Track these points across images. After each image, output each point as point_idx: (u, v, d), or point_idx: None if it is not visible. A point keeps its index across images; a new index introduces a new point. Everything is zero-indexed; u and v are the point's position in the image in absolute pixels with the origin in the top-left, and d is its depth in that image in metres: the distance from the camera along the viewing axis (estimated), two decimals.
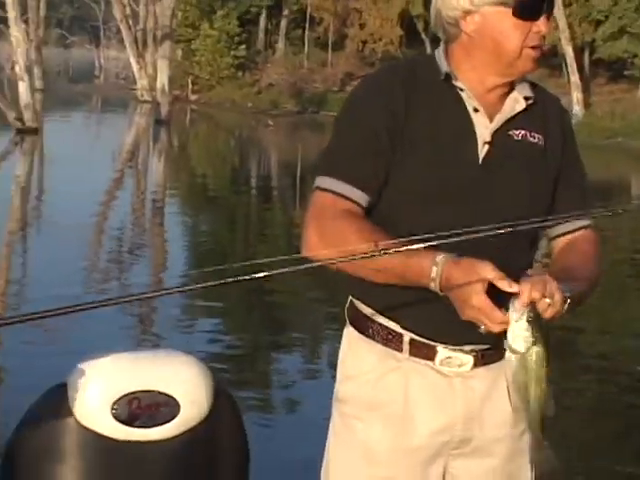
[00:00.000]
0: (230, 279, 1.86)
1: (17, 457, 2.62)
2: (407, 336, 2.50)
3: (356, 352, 2.60)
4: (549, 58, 35.28)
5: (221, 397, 2.64)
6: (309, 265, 2.14)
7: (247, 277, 1.87)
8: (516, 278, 2.39)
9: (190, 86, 50.31)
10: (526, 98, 2.53)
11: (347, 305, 2.64)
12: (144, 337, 9.08)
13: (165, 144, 31.32)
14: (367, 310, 2.56)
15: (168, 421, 2.55)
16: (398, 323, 2.51)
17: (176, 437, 2.55)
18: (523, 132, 2.53)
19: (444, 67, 2.51)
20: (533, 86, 2.58)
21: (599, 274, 2.63)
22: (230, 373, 7.85)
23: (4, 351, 8.15)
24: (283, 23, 56.94)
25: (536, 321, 2.21)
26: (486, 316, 2.19)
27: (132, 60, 49.98)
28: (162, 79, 39.84)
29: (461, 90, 2.50)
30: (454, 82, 2.49)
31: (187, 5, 52.06)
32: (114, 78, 61.99)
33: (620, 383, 8.35)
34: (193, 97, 49.70)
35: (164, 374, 2.59)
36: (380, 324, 2.53)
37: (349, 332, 2.63)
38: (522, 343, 2.22)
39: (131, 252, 13.68)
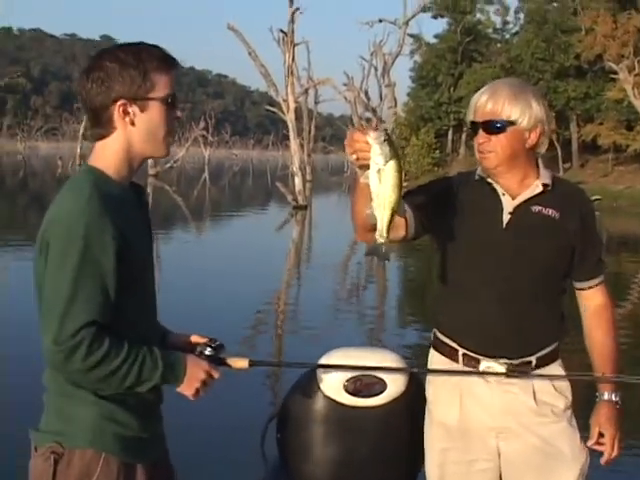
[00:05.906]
0: None
1: (286, 417, 2.67)
2: (461, 351, 2.44)
3: (434, 364, 2.53)
4: None
5: (413, 379, 2.63)
6: None
7: None
8: (523, 324, 2.39)
9: (404, 177, 50.59)
10: (544, 185, 2.41)
11: (432, 335, 2.57)
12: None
13: None
14: (440, 336, 2.51)
15: (379, 394, 2.56)
16: (456, 342, 2.45)
17: (384, 405, 2.55)
18: (539, 208, 2.40)
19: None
20: (557, 179, 2.47)
21: (617, 332, 2.53)
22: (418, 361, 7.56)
23: None
24: (463, 136, 56.77)
25: (391, 141, 1.96)
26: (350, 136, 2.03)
27: None
28: None
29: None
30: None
31: (402, 126, 52.81)
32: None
33: None
34: (405, 184, 49.58)
35: (376, 363, 2.59)
36: (446, 344, 2.48)
37: (431, 352, 2.56)
38: (382, 159, 1.96)
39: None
